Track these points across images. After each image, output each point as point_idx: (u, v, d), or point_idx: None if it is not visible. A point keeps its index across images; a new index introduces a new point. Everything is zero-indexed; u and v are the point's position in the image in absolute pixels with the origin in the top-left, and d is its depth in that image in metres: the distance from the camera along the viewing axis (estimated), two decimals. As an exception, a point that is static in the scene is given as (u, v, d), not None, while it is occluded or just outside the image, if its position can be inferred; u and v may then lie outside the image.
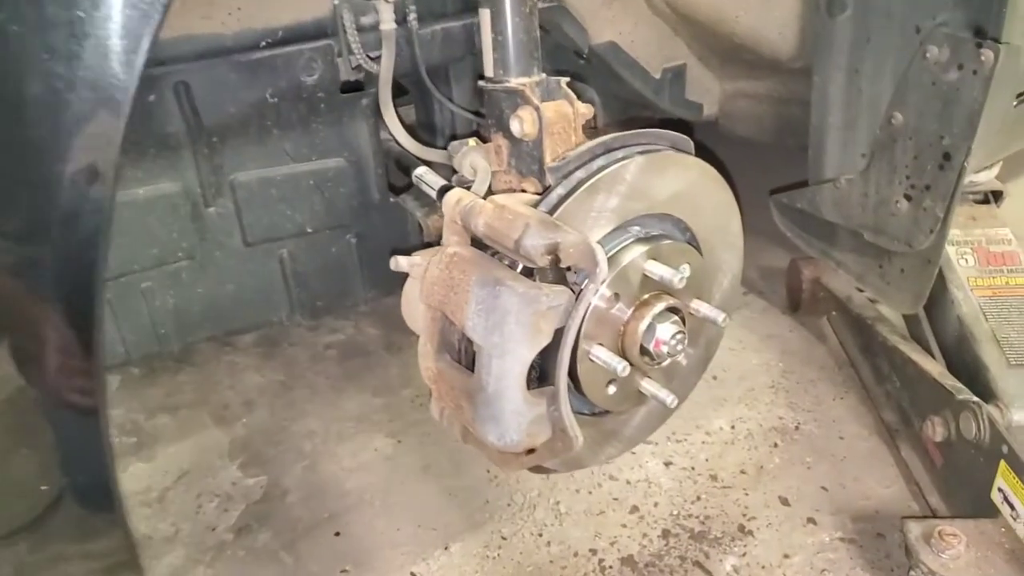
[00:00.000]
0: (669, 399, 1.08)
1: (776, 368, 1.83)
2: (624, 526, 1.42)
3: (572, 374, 1.05)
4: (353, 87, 1.27)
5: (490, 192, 1.16)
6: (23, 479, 0.76)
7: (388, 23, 1.18)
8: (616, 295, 1.04)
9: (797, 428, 1.65)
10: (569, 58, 1.60)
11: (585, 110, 1.11)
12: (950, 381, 1.38)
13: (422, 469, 1.59)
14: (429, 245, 1.29)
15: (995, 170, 1.72)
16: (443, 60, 1.35)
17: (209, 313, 1.25)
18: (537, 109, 1.06)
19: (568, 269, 0.98)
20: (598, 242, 0.99)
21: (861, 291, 1.76)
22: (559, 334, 0.95)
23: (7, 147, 0.62)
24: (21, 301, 0.63)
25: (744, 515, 1.43)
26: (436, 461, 1.60)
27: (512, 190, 1.12)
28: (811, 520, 1.41)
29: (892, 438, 1.56)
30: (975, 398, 1.31)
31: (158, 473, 1.62)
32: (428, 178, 1.28)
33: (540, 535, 1.41)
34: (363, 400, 1.81)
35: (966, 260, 1.56)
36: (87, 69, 0.60)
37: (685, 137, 1.14)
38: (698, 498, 1.47)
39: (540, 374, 1.02)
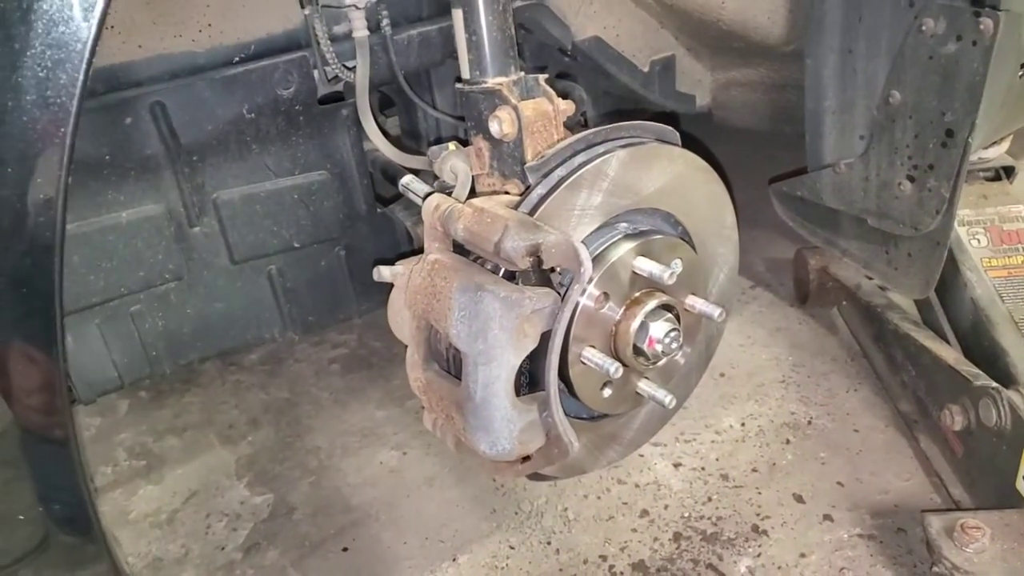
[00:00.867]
0: (667, 399, 1.05)
1: (786, 362, 1.78)
2: (634, 530, 1.38)
3: (565, 377, 1.02)
4: (332, 98, 1.26)
5: (474, 195, 1.14)
6: (5, 512, 0.75)
7: (361, 31, 1.17)
8: (605, 294, 1.01)
9: (810, 423, 1.60)
10: (555, 56, 1.57)
11: (566, 107, 1.09)
12: (967, 367, 1.33)
13: (427, 481, 1.57)
14: (420, 252, 1.27)
15: (1005, 145, 1.66)
16: (421, 65, 1.33)
17: (200, 333, 1.24)
18: (515, 108, 1.04)
19: (552, 270, 0.95)
20: (583, 240, 0.97)
21: (870, 278, 1.71)
22: (547, 338, 0.92)
23: None
24: None
25: (758, 514, 1.39)
26: (441, 472, 1.58)
27: (495, 193, 1.10)
28: (827, 517, 1.36)
29: (909, 429, 1.51)
30: (994, 384, 1.26)
31: (167, 495, 1.63)
32: (414, 186, 1.26)
33: (549, 543, 1.38)
34: (367, 413, 1.80)
35: (978, 240, 1.51)
36: (28, 87, 0.58)
37: (670, 128, 1.11)
38: (709, 499, 1.43)
39: (530, 379, 0.99)
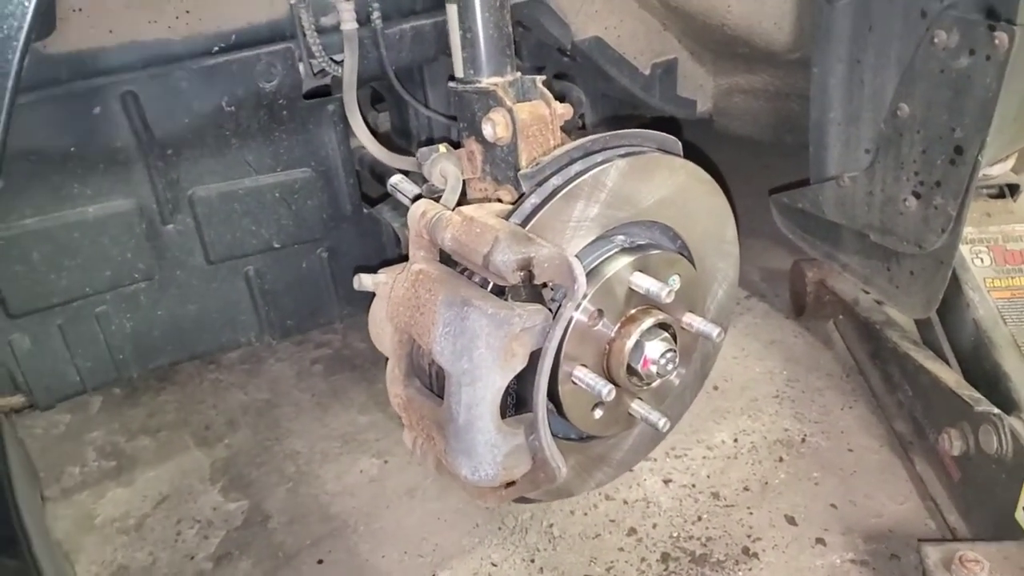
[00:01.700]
0: (661, 422, 1.00)
1: (780, 376, 1.75)
2: (621, 550, 1.34)
3: (554, 397, 0.97)
4: (318, 92, 1.19)
5: (465, 201, 1.08)
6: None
7: (350, 23, 1.10)
8: (599, 311, 0.96)
9: (803, 440, 1.56)
10: (554, 56, 1.52)
11: (564, 110, 1.04)
12: (968, 391, 1.29)
13: (408, 491, 1.51)
14: (407, 259, 1.22)
15: (1010, 162, 1.63)
16: (414, 61, 1.27)
17: (171, 337, 1.18)
18: (510, 111, 0.99)
19: (544, 285, 0.90)
20: (577, 255, 0.91)
21: (869, 293, 1.67)
22: (536, 357, 0.87)
23: None
24: None
25: (748, 536, 1.35)
26: (423, 483, 1.53)
27: (487, 199, 1.05)
28: (820, 540, 1.33)
29: (905, 451, 1.47)
30: (996, 409, 1.22)
31: (137, 498, 1.57)
32: (404, 187, 1.21)
33: (532, 561, 1.34)
34: (349, 418, 1.74)
35: (981, 259, 1.47)
36: None
37: (672, 138, 1.06)
38: (699, 518, 1.39)
39: (517, 399, 0.94)
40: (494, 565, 1.33)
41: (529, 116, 0.99)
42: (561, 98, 1.06)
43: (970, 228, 1.51)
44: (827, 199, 1.36)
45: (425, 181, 1.11)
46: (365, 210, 1.34)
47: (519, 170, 0.99)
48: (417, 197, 1.13)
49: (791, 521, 1.37)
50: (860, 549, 1.30)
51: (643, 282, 0.96)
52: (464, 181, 1.09)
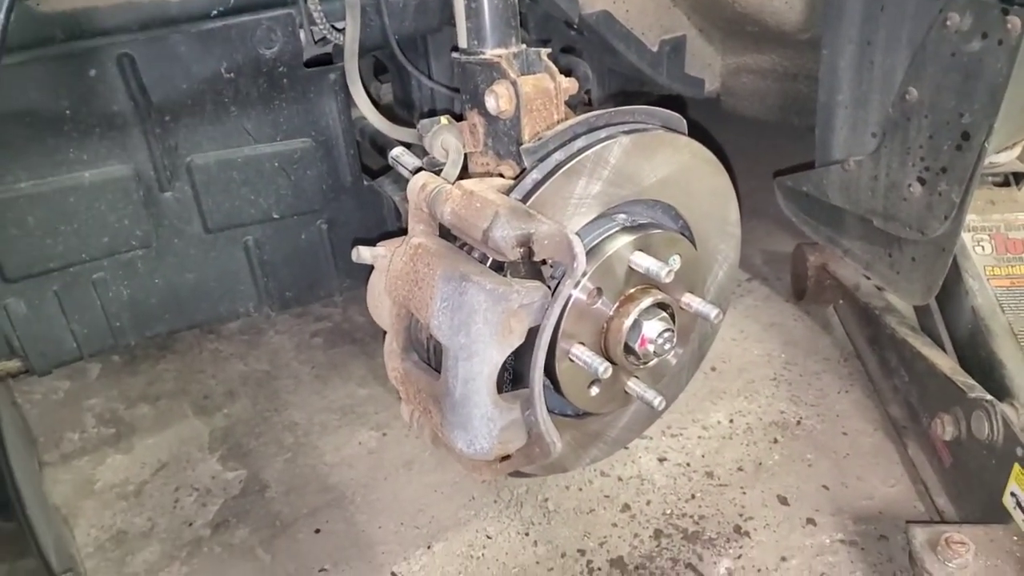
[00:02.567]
0: (656, 401, 1.00)
1: (778, 359, 1.75)
2: (615, 525, 1.36)
3: (551, 374, 0.97)
4: (319, 61, 1.17)
5: (466, 175, 1.07)
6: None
7: (352, -10, 1.08)
8: (598, 289, 0.96)
9: (799, 423, 1.57)
10: (560, 29, 1.49)
11: (568, 84, 1.02)
12: (962, 378, 1.30)
13: (406, 464, 1.53)
14: (407, 232, 1.21)
15: (1017, 150, 1.61)
16: (417, 31, 1.25)
17: (169, 305, 1.17)
18: (514, 83, 0.97)
19: (543, 262, 0.89)
20: (577, 232, 0.91)
21: (869, 279, 1.67)
22: (534, 333, 0.87)
23: None
24: None
25: (741, 515, 1.36)
26: (420, 455, 1.54)
27: (488, 174, 1.03)
28: (811, 521, 1.34)
29: (898, 434, 1.48)
30: (989, 396, 1.23)
31: (136, 465, 1.58)
32: (405, 159, 1.19)
33: (527, 534, 1.35)
34: (348, 391, 1.75)
35: (983, 247, 1.46)
36: None
37: (677, 115, 1.05)
38: (693, 496, 1.41)
39: (514, 375, 0.94)
40: (489, 537, 1.35)
41: (533, 89, 0.98)
42: (567, 72, 1.04)
43: (973, 216, 1.50)
44: (831, 183, 1.35)
45: (426, 154, 1.09)
46: (365, 182, 1.32)
47: (521, 144, 0.97)
48: (418, 170, 1.12)
49: (783, 501, 1.39)
50: (849, 529, 1.32)
51: (643, 261, 0.96)
52: (466, 155, 1.08)
